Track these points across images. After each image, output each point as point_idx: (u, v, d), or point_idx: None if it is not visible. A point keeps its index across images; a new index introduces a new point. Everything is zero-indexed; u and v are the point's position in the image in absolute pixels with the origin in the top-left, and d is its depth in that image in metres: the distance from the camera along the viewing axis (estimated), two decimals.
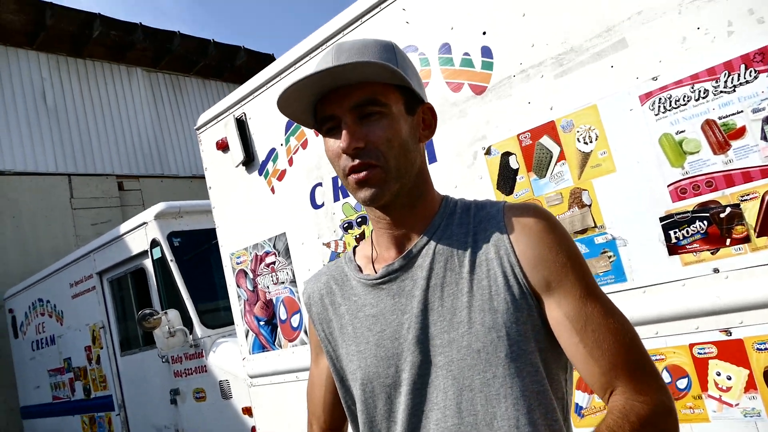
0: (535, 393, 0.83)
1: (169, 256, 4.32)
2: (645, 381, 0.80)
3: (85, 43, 9.28)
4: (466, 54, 2.01)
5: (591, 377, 0.82)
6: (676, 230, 1.60)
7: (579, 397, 1.82)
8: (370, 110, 0.87)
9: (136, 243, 4.65)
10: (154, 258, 4.43)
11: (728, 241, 1.52)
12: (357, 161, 0.86)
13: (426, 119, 0.97)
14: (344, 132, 0.86)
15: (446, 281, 0.89)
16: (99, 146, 9.43)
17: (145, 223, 4.51)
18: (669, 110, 1.59)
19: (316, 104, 0.90)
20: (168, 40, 10.04)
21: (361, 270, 0.99)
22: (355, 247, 1.07)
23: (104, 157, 9.45)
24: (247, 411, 3.59)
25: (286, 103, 0.89)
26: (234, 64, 11.14)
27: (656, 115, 1.62)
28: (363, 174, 0.87)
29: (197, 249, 4.46)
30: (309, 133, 2.59)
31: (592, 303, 0.83)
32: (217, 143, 3.06)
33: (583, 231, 1.77)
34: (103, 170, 9.33)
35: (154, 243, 4.43)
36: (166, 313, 4.05)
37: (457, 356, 0.85)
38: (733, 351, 1.53)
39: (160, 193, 9.09)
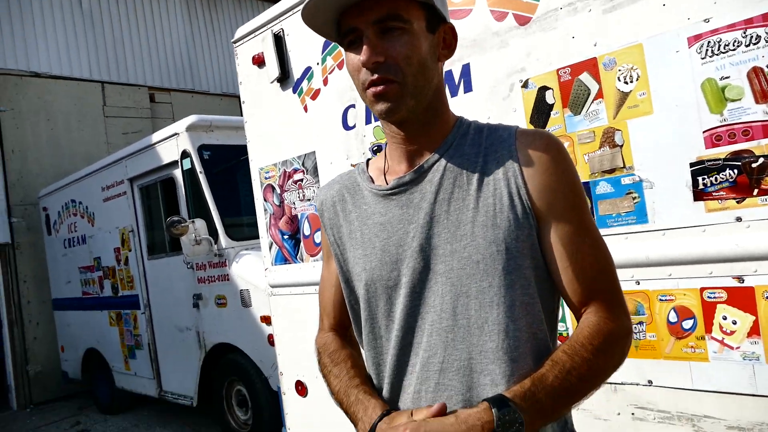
0: (525, 304, 0.92)
1: (198, 167, 4.42)
2: (615, 305, 0.93)
3: None
4: None
5: (572, 295, 0.94)
6: (705, 177, 1.61)
7: None
8: (392, 25, 0.89)
9: (167, 153, 4.76)
10: (184, 168, 4.55)
11: (756, 191, 1.53)
12: (376, 75, 0.89)
13: (447, 39, 0.99)
14: (365, 46, 0.89)
15: (453, 196, 0.95)
16: (132, 56, 9.43)
17: (176, 134, 4.60)
18: (716, 54, 1.57)
19: (339, 17, 0.92)
20: None
21: (373, 181, 1.04)
22: (369, 159, 1.12)
23: (137, 67, 9.47)
24: (266, 319, 3.79)
25: (310, 13, 0.91)
26: None
27: (702, 58, 1.59)
28: (381, 88, 0.90)
29: (226, 163, 4.55)
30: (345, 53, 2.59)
31: (584, 234, 0.94)
32: (253, 58, 3.06)
33: (611, 171, 1.79)
34: (136, 80, 9.37)
35: (185, 154, 4.53)
36: (193, 221, 4.20)
37: (457, 265, 0.92)
38: (742, 297, 1.57)
39: (191, 108, 9.12)
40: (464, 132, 1.00)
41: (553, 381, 0.85)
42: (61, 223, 6.89)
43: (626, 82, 1.74)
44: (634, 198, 1.75)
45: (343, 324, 1.16)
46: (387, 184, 1.01)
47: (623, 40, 1.73)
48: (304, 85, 2.82)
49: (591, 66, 1.81)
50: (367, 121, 2.52)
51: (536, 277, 0.93)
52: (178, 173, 4.67)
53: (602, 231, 1.78)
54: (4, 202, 7.74)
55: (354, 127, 2.59)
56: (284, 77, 2.91)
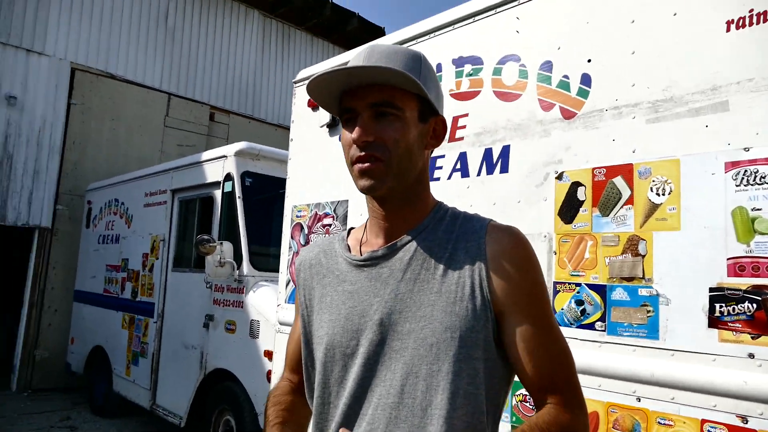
0: (469, 394, 0.94)
1: (238, 192, 4.55)
2: (573, 402, 0.96)
3: None
4: (566, 77, 2.02)
5: (531, 389, 0.97)
6: (723, 305, 1.57)
7: None
8: (385, 110, 0.97)
9: (213, 172, 4.92)
10: (225, 191, 4.68)
11: None
12: (363, 153, 0.96)
13: (437, 130, 1.06)
14: (358, 125, 0.97)
15: (420, 278, 0.99)
16: (202, 74, 9.92)
17: (224, 156, 4.77)
18: (751, 184, 1.56)
19: (341, 96, 1.01)
20: None
21: (350, 250, 1.09)
22: (352, 228, 1.18)
23: (204, 85, 9.93)
24: (269, 354, 3.78)
25: (316, 88, 0.99)
26: (345, 29, 11.35)
27: (737, 186, 1.58)
28: (366, 165, 0.97)
29: (265, 193, 4.67)
30: None
31: (546, 331, 0.97)
32: (309, 100, 3.19)
33: (630, 279, 1.76)
34: (201, 98, 9.82)
35: (228, 177, 4.67)
36: (221, 243, 4.29)
37: (412, 345, 0.95)
38: None
39: (246, 132, 9.49)
40: (440, 217, 1.05)
41: None
42: (100, 219, 7.13)
43: (658, 194, 1.73)
44: (648, 311, 1.72)
45: (300, 385, 1.19)
46: (361, 255, 1.06)
47: (662, 152, 1.74)
48: None
49: (626, 171, 1.81)
50: None
51: (485, 369, 0.95)
52: (218, 194, 4.81)
53: (611, 338, 1.76)
54: (54, 189, 8.10)
55: None
56: (334, 124, 3.02)
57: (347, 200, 2.85)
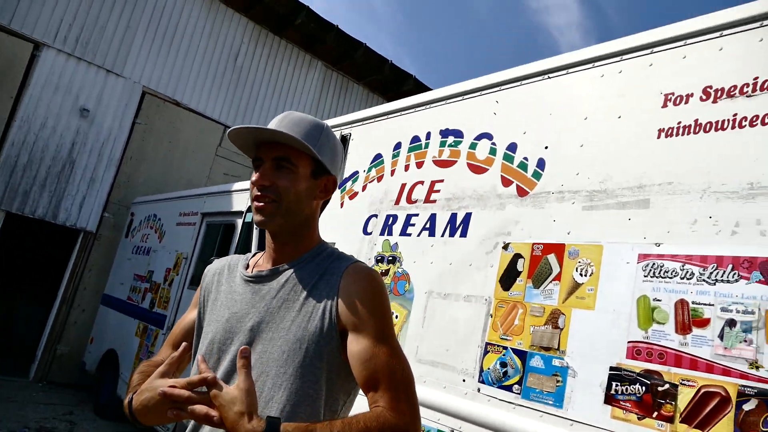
0: (308, 396, 1.14)
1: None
2: (401, 405, 1.09)
3: (287, 26, 10.52)
4: (525, 158, 2.23)
5: (365, 391, 1.12)
6: (619, 384, 1.69)
7: None
8: (283, 164, 1.23)
9: (237, 202, 5.29)
10: (245, 220, 5.02)
11: (655, 413, 1.59)
12: (260, 193, 1.21)
13: (327, 186, 1.30)
14: (260, 171, 1.22)
15: (288, 298, 1.23)
16: (259, 113, 10.59)
17: (249, 189, 5.13)
18: (656, 277, 1.70)
19: (256, 145, 1.26)
20: (354, 49, 11.02)
21: (247, 267, 1.33)
22: (257, 252, 1.41)
23: (259, 123, 10.57)
24: None
25: (238, 136, 1.24)
26: (401, 88, 11.91)
27: (645, 276, 1.73)
28: (261, 204, 1.22)
29: None
30: (387, 170, 2.93)
31: (381, 346, 1.14)
32: None
33: (547, 349, 1.90)
34: None
35: (249, 209, 5.01)
36: None
37: (269, 349, 1.18)
38: None
39: None
40: (317, 254, 1.29)
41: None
42: (138, 231, 7.62)
43: (581, 275, 1.89)
44: (558, 381, 1.85)
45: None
46: (251, 272, 1.30)
47: (590, 237, 1.91)
48: (348, 184, 3.18)
49: (559, 250, 1.98)
50: (381, 233, 2.80)
51: (326, 377, 1.16)
52: (239, 222, 5.15)
53: (524, 402, 1.90)
54: (105, 198, 8.73)
55: (371, 234, 2.87)
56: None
57: (334, 242, 3.09)
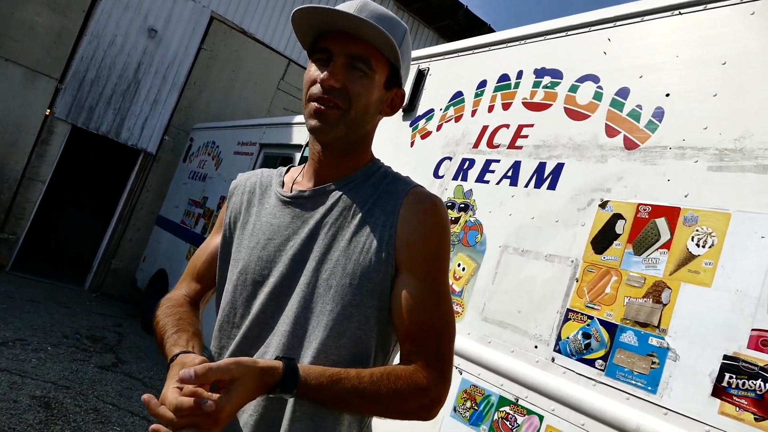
0: (357, 338, 0.99)
1: None
2: (436, 370, 0.97)
3: None
4: (638, 106, 1.91)
5: (402, 343, 1.00)
6: (734, 376, 1.43)
7: None
8: (359, 66, 1.01)
9: (298, 136, 5.12)
10: (303, 154, 4.86)
11: None
12: (326, 95, 0.99)
13: (394, 101, 1.11)
14: (330, 69, 0.99)
15: (336, 224, 1.04)
16: None
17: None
18: None
19: (320, 34, 1.03)
20: None
21: (283, 186, 1.14)
22: (292, 166, 1.23)
23: None
24: None
25: (304, 17, 1.00)
26: (473, 36, 11.33)
27: None
28: (323, 108, 0.99)
29: None
30: (467, 110, 2.65)
31: (432, 295, 1.00)
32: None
33: (644, 325, 1.65)
34: None
35: (307, 143, 4.84)
36: None
37: (314, 283, 1.01)
38: None
39: None
40: (370, 173, 1.10)
41: (343, 383, 0.91)
42: (195, 157, 7.63)
43: (698, 245, 1.61)
44: (653, 362, 1.60)
45: (197, 296, 1.21)
46: (291, 192, 1.11)
47: (715, 203, 1.62)
48: (421, 123, 2.93)
49: (672, 214, 1.70)
50: (454, 177, 2.55)
51: (378, 318, 1.01)
52: (297, 156, 4.99)
53: (608, 380, 1.67)
54: (167, 121, 8.76)
55: (442, 177, 2.64)
56: (410, 109, 3.04)
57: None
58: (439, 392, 0.98)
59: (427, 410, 0.97)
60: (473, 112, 2.61)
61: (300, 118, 5.34)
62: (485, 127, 2.50)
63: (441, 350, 1.00)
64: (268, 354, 1.00)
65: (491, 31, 11.18)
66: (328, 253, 1.02)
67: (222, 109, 9.03)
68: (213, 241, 1.23)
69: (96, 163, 10.53)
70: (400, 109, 3.05)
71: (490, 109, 2.52)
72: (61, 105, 7.86)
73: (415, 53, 3.20)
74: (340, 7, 1.00)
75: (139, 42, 8.47)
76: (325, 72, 0.99)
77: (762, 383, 1.38)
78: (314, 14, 0.99)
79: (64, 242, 10.16)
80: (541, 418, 1.81)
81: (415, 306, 0.98)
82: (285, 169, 1.21)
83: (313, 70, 1.02)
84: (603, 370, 1.71)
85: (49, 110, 7.78)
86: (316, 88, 1.00)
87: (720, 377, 1.45)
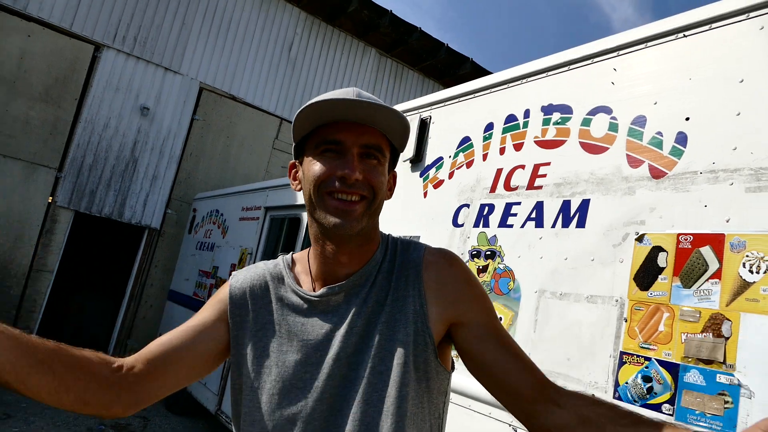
0: (414, 414, 0.97)
1: None
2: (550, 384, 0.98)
3: (340, 14, 10.28)
4: (659, 133, 1.88)
5: (525, 386, 0.95)
6: None
7: None
8: (374, 154, 1.00)
9: (301, 196, 5.09)
10: None
11: None
12: (350, 189, 0.96)
13: (390, 183, 1.09)
14: (349, 161, 0.96)
15: (370, 311, 1.01)
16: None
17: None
18: None
19: (322, 126, 0.99)
20: (408, 33, 10.68)
21: (298, 282, 1.08)
22: (292, 254, 1.16)
23: None
24: None
25: (312, 111, 0.96)
26: (457, 72, 11.50)
27: None
28: (347, 202, 0.96)
29: None
30: (477, 155, 2.62)
31: (503, 329, 1.03)
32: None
33: (708, 362, 1.57)
34: None
35: None
36: None
37: (362, 375, 0.97)
38: None
39: None
40: (385, 248, 1.08)
41: None
42: (201, 227, 7.60)
43: (752, 271, 1.54)
44: (726, 402, 1.51)
45: (141, 361, 1.00)
46: (314, 290, 1.06)
47: (761, 225, 1.55)
48: (432, 172, 2.89)
49: (717, 241, 1.64)
50: (476, 224, 2.50)
51: (427, 387, 1.00)
52: (305, 215, 4.96)
53: (678, 424, 1.56)
54: (168, 195, 8.80)
55: (462, 225, 2.58)
56: (417, 159, 3.02)
57: (419, 236, 2.82)
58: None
59: None
60: (485, 156, 2.57)
61: None
62: (500, 170, 2.46)
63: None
64: None
65: (474, 64, 11.35)
66: (369, 340, 0.99)
67: (221, 176, 9.08)
68: (198, 319, 1.07)
69: (102, 244, 10.52)
70: (410, 161, 3.04)
71: (502, 151, 2.49)
72: (62, 193, 7.90)
73: (415, 102, 3.20)
74: (344, 95, 0.96)
75: (133, 121, 8.58)
76: (347, 167, 0.96)
77: None
78: (328, 108, 0.95)
79: (78, 328, 10.03)
80: None
81: (509, 346, 1.00)
82: (289, 259, 1.13)
83: (324, 165, 0.98)
84: (672, 414, 1.61)
85: (50, 199, 7.81)
86: (335, 183, 0.96)
87: None
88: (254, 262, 5.63)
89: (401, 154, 3.08)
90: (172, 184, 8.86)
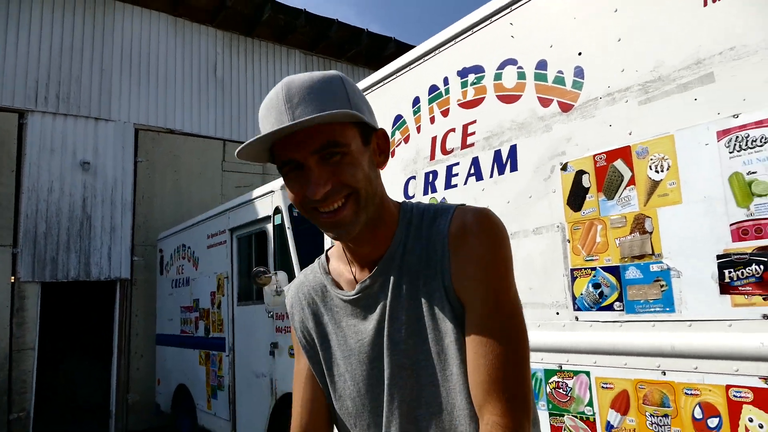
0: (465, 391, 0.95)
1: (287, 223, 4.80)
2: (512, 408, 0.89)
3: (256, 24, 10.31)
4: (560, 72, 2.10)
5: (472, 386, 0.93)
6: (731, 270, 1.58)
7: (611, 416, 1.85)
8: (333, 151, 0.91)
9: (263, 208, 5.21)
10: (275, 224, 4.95)
11: None
12: (326, 202, 0.92)
13: (380, 145, 1.01)
14: (309, 178, 0.91)
15: (407, 291, 1.00)
16: (253, 118, 10.46)
17: (272, 191, 5.05)
18: (744, 149, 1.58)
19: (272, 146, 0.93)
20: (327, 27, 10.79)
21: (337, 284, 1.10)
22: (328, 250, 1.18)
23: (256, 127, 10.46)
24: None
25: (247, 152, 0.91)
26: (383, 54, 11.67)
27: (731, 152, 1.61)
28: (331, 214, 0.94)
29: None
30: (412, 129, 2.81)
31: (493, 323, 0.92)
32: None
33: (641, 257, 1.80)
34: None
35: (277, 210, 4.94)
36: (276, 273, 4.52)
37: (420, 357, 0.98)
38: None
39: None
40: (408, 224, 1.03)
41: None
42: (171, 265, 7.62)
43: (657, 171, 1.77)
44: (662, 286, 1.75)
45: (310, 426, 1.14)
46: (355, 277, 1.07)
47: (656, 130, 1.79)
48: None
49: (625, 153, 1.87)
50: (425, 192, 2.69)
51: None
52: (269, 227, 5.08)
53: (630, 317, 1.80)
54: (130, 242, 8.75)
55: (413, 197, 2.77)
56: None
57: None
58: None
59: None
60: (418, 129, 2.76)
61: (258, 191, 5.44)
62: (434, 138, 2.66)
63: (515, 384, 0.91)
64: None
65: (397, 43, 11.54)
66: (415, 324, 0.99)
67: (178, 211, 9.06)
68: (300, 364, 1.18)
69: (77, 307, 10.37)
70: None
71: (432, 120, 2.68)
72: (23, 268, 7.79)
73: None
74: (271, 112, 0.91)
75: (76, 179, 8.48)
76: (310, 186, 0.91)
77: (756, 267, 1.53)
78: (253, 146, 0.90)
79: (72, 396, 9.91)
80: (587, 374, 1.93)
81: (479, 344, 0.92)
82: (325, 262, 1.15)
83: (293, 186, 0.95)
84: (623, 310, 1.84)
85: (13, 278, 7.68)
86: (311, 202, 0.93)
87: (721, 276, 1.60)
88: (232, 285, 5.69)
89: None
90: (132, 231, 8.81)
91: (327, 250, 1.19)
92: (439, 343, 0.97)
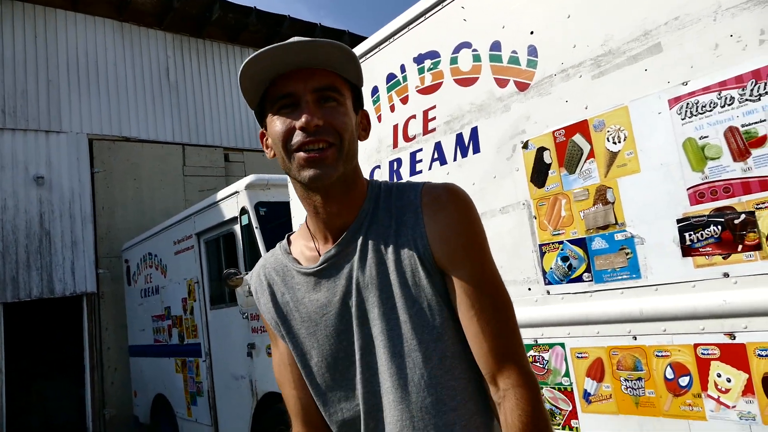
0: (458, 353, 0.97)
1: (255, 223, 4.74)
2: (522, 372, 0.92)
3: (205, 24, 10.10)
4: (514, 52, 2.12)
5: (478, 354, 0.94)
6: (692, 233, 1.64)
7: (587, 384, 1.91)
8: (330, 95, 0.94)
9: (229, 210, 5.14)
10: (242, 224, 4.89)
11: (740, 247, 1.55)
12: (314, 137, 0.92)
13: (363, 122, 1.05)
14: (306, 109, 0.92)
15: (375, 263, 0.99)
16: (211, 120, 10.28)
17: (237, 192, 4.98)
18: (695, 115, 1.63)
19: (271, 83, 0.95)
20: (278, 23, 10.65)
21: (298, 262, 1.08)
22: (289, 235, 1.16)
23: (214, 130, 10.29)
24: None
25: (252, 64, 0.92)
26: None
27: (682, 119, 1.66)
28: (316, 152, 0.93)
29: (280, 219, 4.85)
30: (372, 118, 2.81)
31: (484, 288, 0.94)
32: None
33: (605, 227, 1.85)
34: (213, 142, 10.17)
35: (243, 211, 4.88)
36: (247, 274, 4.48)
37: (387, 326, 0.97)
38: (735, 354, 1.56)
39: (261, 166, 9.74)
40: (376, 197, 1.03)
41: None
42: (139, 275, 7.45)
43: (614, 143, 1.82)
44: (627, 254, 1.79)
45: (308, 420, 1.13)
46: (319, 252, 1.05)
47: (610, 103, 1.83)
48: None
49: (583, 127, 1.90)
50: (390, 180, 2.70)
51: (455, 324, 0.97)
52: (237, 228, 5.02)
53: (599, 286, 1.84)
54: (93, 255, 8.51)
55: None
56: None
57: None
58: (538, 392, 0.93)
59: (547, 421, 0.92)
60: (379, 118, 2.76)
61: (221, 193, 5.36)
62: (396, 126, 2.66)
63: (521, 348, 0.95)
64: (390, 418, 0.98)
65: (352, 36, 11.48)
66: (382, 292, 0.98)
67: (141, 219, 8.84)
68: (279, 348, 1.15)
69: (43, 325, 10.05)
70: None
71: (392, 108, 2.68)
72: None
73: None
74: (267, 51, 0.91)
75: (31, 194, 8.19)
76: (304, 115, 0.92)
77: (714, 228, 1.59)
78: (266, 58, 0.91)
79: (46, 416, 9.64)
80: (562, 345, 1.97)
81: (477, 306, 0.93)
82: (286, 244, 1.13)
83: (283, 120, 0.95)
84: (591, 280, 1.89)
85: None
86: (299, 136, 0.93)
87: (682, 239, 1.66)
88: (203, 290, 5.59)
89: None
90: (95, 244, 8.56)
91: (288, 235, 1.17)
92: (410, 311, 0.96)
